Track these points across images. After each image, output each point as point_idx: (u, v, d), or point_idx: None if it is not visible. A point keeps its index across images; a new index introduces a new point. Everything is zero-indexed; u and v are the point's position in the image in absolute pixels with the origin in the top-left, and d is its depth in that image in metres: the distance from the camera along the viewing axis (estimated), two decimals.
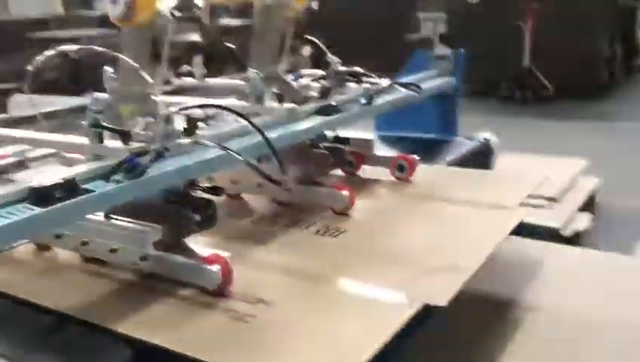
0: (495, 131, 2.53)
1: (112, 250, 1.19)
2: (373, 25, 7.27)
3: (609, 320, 1.47)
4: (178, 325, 1.05)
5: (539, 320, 1.47)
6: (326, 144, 1.70)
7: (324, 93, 1.60)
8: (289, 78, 1.64)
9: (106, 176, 1.04)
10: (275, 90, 1.56)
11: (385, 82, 1.78)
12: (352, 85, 1.69)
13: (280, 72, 1.62)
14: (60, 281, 1.23)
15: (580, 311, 1.51)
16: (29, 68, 1.27)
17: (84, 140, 1.13)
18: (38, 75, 1.28)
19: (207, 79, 1.82)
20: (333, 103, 1.57)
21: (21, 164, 1.22)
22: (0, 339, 1.07)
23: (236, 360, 0.97)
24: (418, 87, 1.77)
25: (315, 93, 1.59)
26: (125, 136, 1.12)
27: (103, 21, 4.86)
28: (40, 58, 1.27)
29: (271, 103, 1.46)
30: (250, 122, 1.28)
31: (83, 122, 1.13)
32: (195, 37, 4.50)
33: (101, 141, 1.12)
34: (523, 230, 1.64)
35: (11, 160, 1.21)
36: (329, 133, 1.77)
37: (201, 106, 1.27)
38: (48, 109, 1.48)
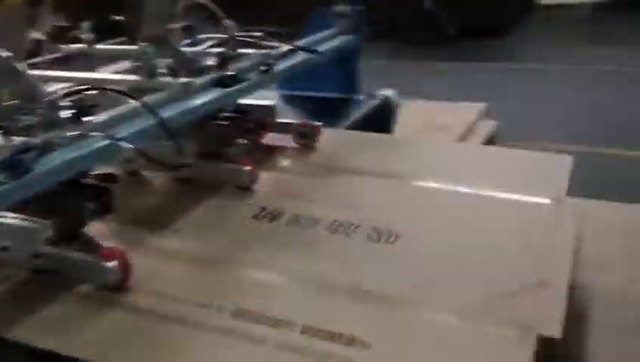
0: (398, 75, 2.55)
1: (3, 248, 1.12)
2: None
3: None
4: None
5: None
6: (226, 114, 1.66)
7: (223, 62, 1.55)
8: (183, 46, 1.57)
9: None
10: (168, 61, 1.49)
11: (285, 47, 1.74)
12: (251, 51, 1.65)
13: (172, 40, 1.54)
14: None
15: None
16: None
17: None
18: None
19: (96, 45, 1.73)
20: (233, 73, 1.52)
21: None
22: None
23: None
24: (317, 51, 1.75)
25: (212, 62, 1.54)
26: (5, 130, 1.04)
27: None
28: None
29: (164, 78, 1.40)
30: (143, 103, 1.22)
31: None
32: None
33: None
34: None
35: None
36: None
37: (88, 90, 1.19)
38: None
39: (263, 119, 1.75)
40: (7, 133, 1.04)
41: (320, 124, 1.74)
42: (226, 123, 1.63)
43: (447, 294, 1.06)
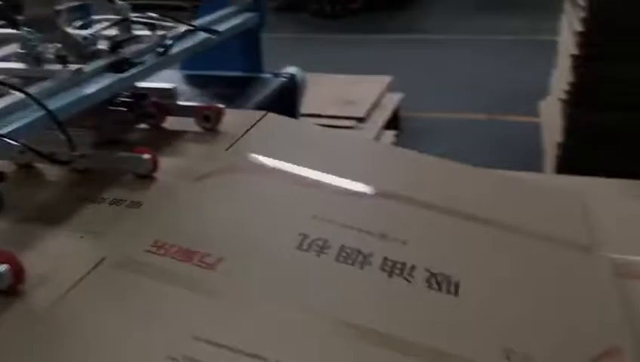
0: (305, 50, 2.54)
1: None
2: None
3: None
4: None
5: None
6: (123, 98, 1.59)
7: (116, 45, 1.48)
8: (74, 29, 1.48)
9: None
10: (56, 45, 1.40)
11: (183, 27, 1.69)
12: (146, 33, 1.58)
13: (60, 22, 1.45)
14: None
15: None
16: None
17: None
18: None
19: None
20: (127, 57, 1.46)
21: None
22: None
23: None
24: (217, 31, 1.70)
25: (104, 46, 1.46)
26: None
27: None
28: None
29: (52, 65, 1.32)
30: (27, 94, 1.15)
31: None
32: None
33: None
34: None
35: None
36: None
37: None
38: None
39: (163, 103, 1.69)
40: None
41: (223, 106, 1.70)
42: (124, 108, 1.57)
43: None
